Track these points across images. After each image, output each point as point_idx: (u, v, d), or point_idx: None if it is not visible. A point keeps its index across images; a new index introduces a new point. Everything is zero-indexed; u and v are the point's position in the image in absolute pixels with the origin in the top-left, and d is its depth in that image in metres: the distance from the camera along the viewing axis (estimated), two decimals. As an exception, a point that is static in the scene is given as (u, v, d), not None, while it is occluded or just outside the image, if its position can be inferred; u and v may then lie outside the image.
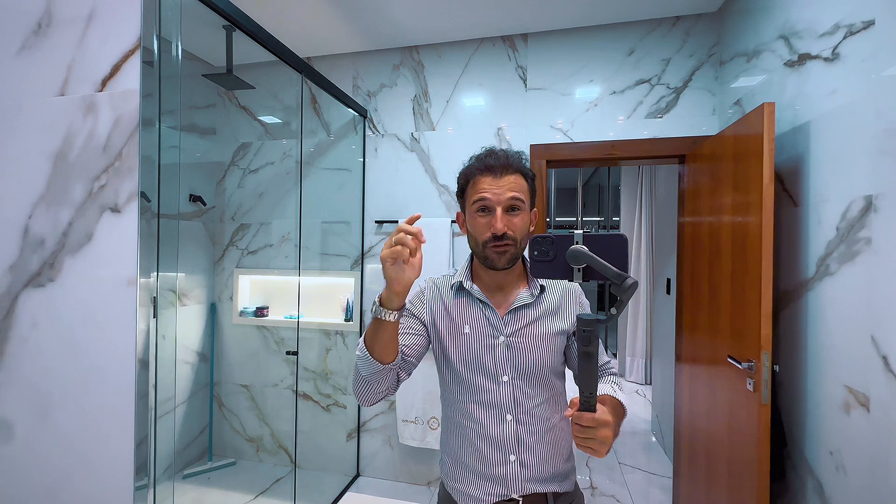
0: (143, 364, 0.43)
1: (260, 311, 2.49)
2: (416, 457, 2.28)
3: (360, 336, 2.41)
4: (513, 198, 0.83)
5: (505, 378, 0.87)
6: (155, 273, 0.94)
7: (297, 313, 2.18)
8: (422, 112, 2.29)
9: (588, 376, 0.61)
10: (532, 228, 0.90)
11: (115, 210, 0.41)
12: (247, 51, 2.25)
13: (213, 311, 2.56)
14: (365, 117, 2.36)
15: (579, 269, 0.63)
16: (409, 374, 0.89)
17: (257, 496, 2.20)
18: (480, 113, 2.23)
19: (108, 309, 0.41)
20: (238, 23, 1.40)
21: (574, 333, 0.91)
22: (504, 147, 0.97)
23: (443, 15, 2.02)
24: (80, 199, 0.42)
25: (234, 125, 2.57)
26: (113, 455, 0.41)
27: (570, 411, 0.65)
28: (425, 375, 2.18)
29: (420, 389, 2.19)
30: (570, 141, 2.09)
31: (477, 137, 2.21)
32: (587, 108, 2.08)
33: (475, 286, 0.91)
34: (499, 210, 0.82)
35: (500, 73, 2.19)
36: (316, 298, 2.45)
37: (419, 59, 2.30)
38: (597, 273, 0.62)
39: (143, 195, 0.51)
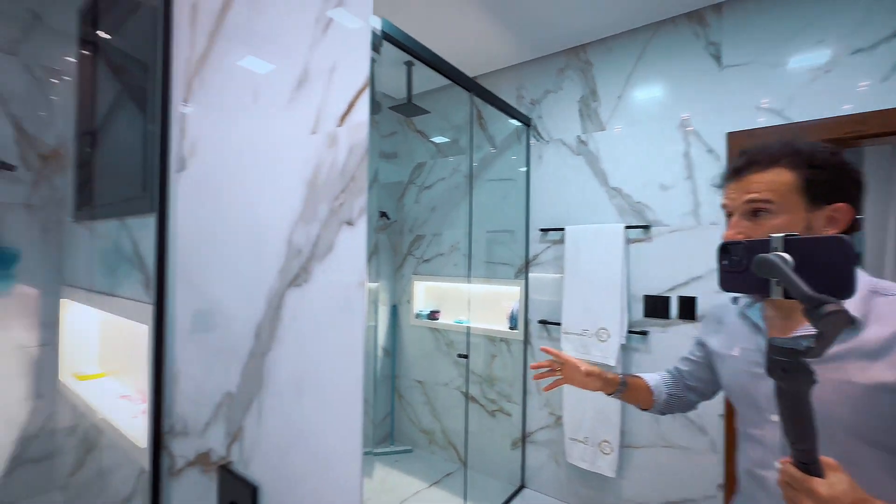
0: (366, 353, 0.50)
1: (433, 315, 2.72)
2: (585, 480, 2.13)
3: (524, 345, 2.41)
4: (750, 200, 0.68)
5: (774, 418, 0.71)
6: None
7: (465, 318, 2.30)
8: (589, 113, 2.17)
9: (790, 422, 0.46)
10: (833, 230, 0.67)
11: (350, 223, 0.49)
12: (421, 80, 2.53)
13: (394, 313, 2.92)
14: (528, 126, 2.37)
15: (777, 282, 0.48)
16: (705, 395, 0.98)
17: (431, 486, 2.39)
18: (658, 105, 1.99)
19: (345, 306, 0.49)
20: (421, 56, 1.58)
21: None
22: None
23: (613, 4, 1.88)
24: (324, 216, 0.51)
25: (411, 148, 2.90)
26: (344, 425, 0.49)
27: (786, 461, 0.52)
28: (595, 394, 2.03)
29: (590, 408, 2.04)
30: (784, 122, 1.68)
31: (654, 132, 1.97)
32: (812, 77, 1.64)
33: (757, 305, 0.78)
34: (734, 217, 0.71)
35: (685, 56, 1.91)
36: (481, 305, 2.55)
37: (586, 58, 2.19)
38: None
39: (383, 214, 0.62)
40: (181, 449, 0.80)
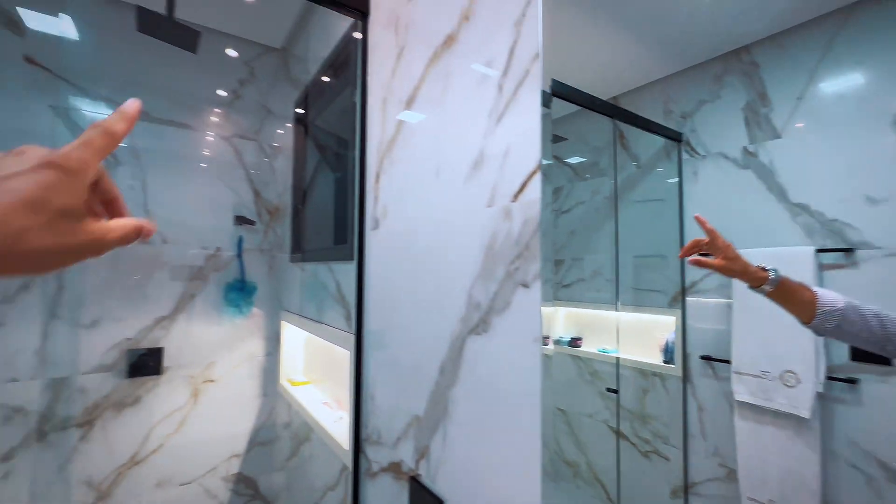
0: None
1: (574, 342, 2.65)
2: (771, 550, 1.79)
3: (683, 382, 2.16)
4: None
5: None
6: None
7: (611, 347, 2.20)
8: (758, 120, 1.90)
9: None
10: None
11: (525, 285, 0.57)
12: (558, 106, 2.55)
13: (534, 337, 2.93)
14: (679, 141, 2.18)
15: None
16: None
17: (578, 521, 2.30)
18: (858, 99, 1.64)
19: (521, 357, 0.57)
20: (561, 95, 1.63)
21: None
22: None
23: (787, -2, 1.65)
24: (501, 277, 0.61)
25: (549, 173, 2.93)
26: (524, 463, 0.56)
27: None
28: (782, 446, 1.71)
29: (774, 464, 1.73)
30: None
31: (853, 133, 1.63)
32: None
33: None
34: None
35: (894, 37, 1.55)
36: (628, 335, 2.39)
37: (750, 60, 1.94)
38: None
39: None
40: (376, 455, 0.98)
